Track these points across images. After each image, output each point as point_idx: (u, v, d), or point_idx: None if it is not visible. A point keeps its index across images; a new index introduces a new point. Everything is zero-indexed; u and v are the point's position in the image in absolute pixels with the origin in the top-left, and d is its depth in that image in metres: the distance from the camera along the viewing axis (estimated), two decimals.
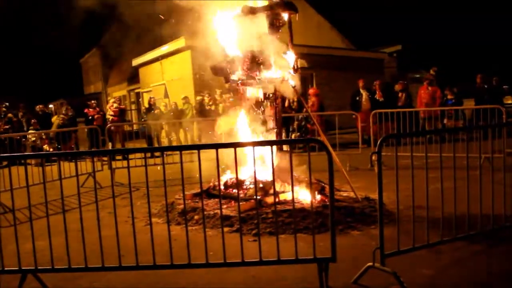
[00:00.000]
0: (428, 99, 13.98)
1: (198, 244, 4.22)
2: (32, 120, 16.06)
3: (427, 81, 14.35)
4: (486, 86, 14.43)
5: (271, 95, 6.63)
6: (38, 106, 17.65)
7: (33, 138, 15.09)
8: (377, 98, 14.31)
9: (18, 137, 14.16)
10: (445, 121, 13.07)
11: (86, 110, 16.36)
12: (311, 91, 15.79)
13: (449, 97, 14.19)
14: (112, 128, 14.25)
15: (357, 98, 14.54)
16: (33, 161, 10.22)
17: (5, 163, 9.63)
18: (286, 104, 14.38)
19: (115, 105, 15.97)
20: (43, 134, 15.01)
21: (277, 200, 5.59)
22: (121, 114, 16.13)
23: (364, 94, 14.53)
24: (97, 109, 16.38)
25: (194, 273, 4.25)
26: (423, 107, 13.58)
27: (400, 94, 14.58)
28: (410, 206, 4.10)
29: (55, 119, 16.79)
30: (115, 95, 29.96)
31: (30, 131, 15.24)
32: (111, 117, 15.56)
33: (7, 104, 16.51)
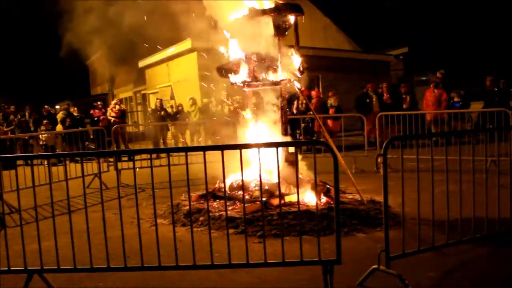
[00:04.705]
0: (434, 101, 13.93)
1: (203, 245, 4.23)
2: (44, 121, 16.02)
3: (433, 84, 14.31)
4: (495, 89, 14.37)
5: (277, 97, 6.64)
6: (45, 106, 17.67)
7: (44, 139, 15.14)
8: (385, 100, 14.29)
9: (27, 137, 14.23)
10: (453, 122, 12.96)
11: (92, 111, 16.38)
12: (330, 93, 15.75)
13: (455, 99, 14.11)
14: (118, 129, 14.30)
15: (367, 101, 14.51)
16: (45, 161, 10.26)
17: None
18: (295, 106, 14.35)
19: (117, 106, 16.00)
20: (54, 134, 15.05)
21: (282, 202, 5.58)
22: (122, 115, 16.17)
23: (374, 97, 14.51)
24: (103, 110, 16.39)
25: (199, 274, 4.26)
26: (429, 110, 13.52)
27: (404, 97, 14.55)
28: (415, 208, 4.09)
29: (60, 116, 16.69)
30: (122, 96, 30.05)
31: (43, 132, 15.26)
32: (113, 119, 15.58)
33: (5, 106, 16.45)
